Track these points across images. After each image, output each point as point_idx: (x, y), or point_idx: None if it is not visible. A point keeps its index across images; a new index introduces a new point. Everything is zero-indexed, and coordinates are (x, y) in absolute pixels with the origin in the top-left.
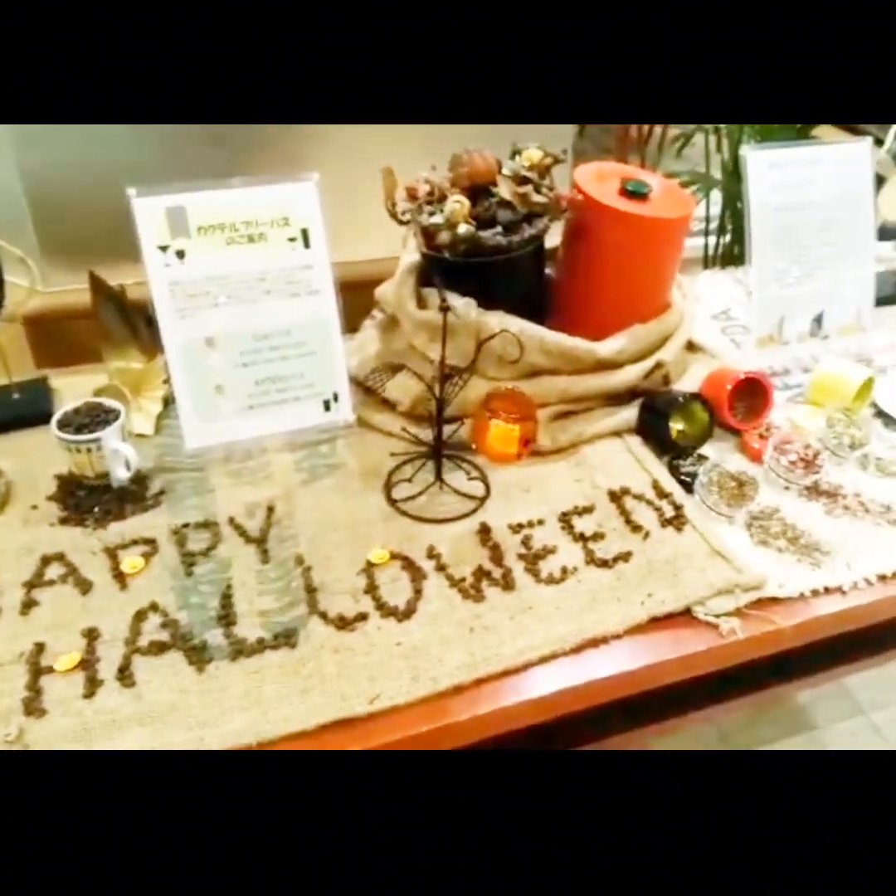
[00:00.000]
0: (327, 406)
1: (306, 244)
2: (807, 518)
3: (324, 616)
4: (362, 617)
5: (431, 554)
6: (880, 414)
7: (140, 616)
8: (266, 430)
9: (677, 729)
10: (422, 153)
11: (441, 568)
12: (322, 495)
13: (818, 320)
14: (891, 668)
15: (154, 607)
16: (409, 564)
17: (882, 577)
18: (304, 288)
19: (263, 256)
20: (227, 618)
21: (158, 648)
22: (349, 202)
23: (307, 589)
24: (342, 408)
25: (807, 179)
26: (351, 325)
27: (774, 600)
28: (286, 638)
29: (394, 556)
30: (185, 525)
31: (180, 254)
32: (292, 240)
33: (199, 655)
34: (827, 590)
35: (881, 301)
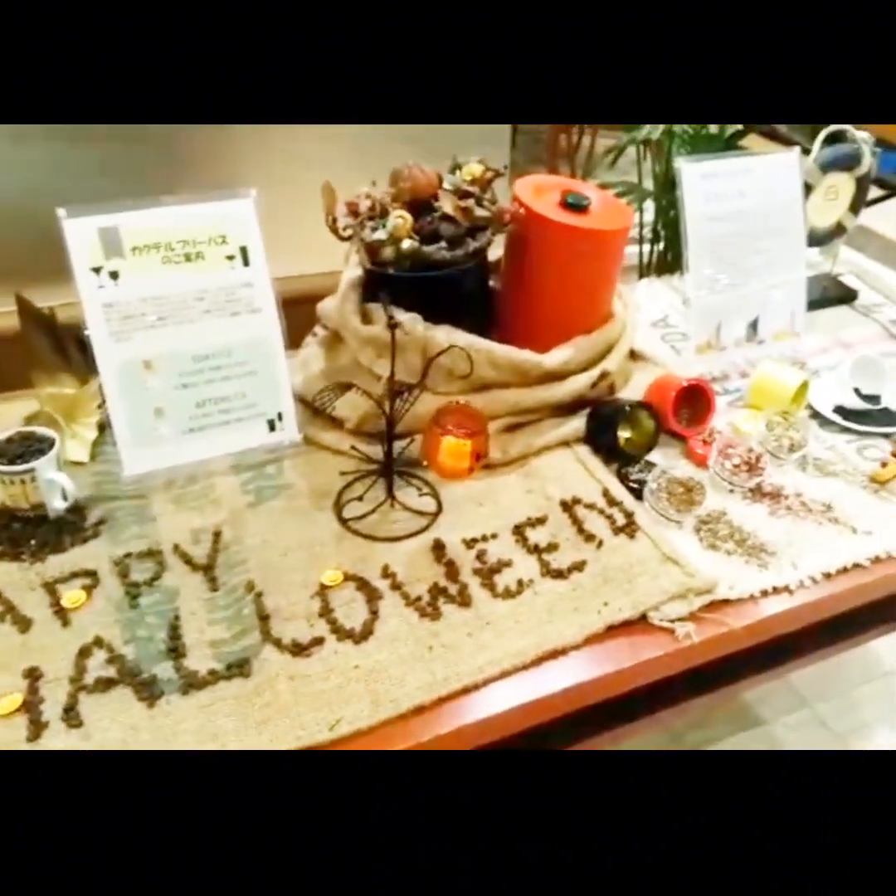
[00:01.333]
0: (272, 426)
1: (245, 262)
2: (752, 520)
3: (278, 643)
4: (318, 641)
5: (386, 573)
6: (816, 415)
7: (84, 652)
8: (209, 453)
9: (631, 734)
10: (361, 169)
11: (396, 587)
12: (271, 518)
13: (754, 326)
14: (834, 660)
15: (98, 642)
16: (363, 585)
17: (826, 575)
18: (244, 306)
19: (201, 275)
20: (176, 650)
21: (105, 685)
22: (289, 217)
23: (259, 615)
24: (288, 427)
25: (739, 189)
26: (294, 341)
27: (726, 602)
28: (239, 668)
29: (348, 577)
30: (128, 555)
31: (114, 275)
32: (231, 257)
33: (148, 690)
34: (775, 589)
35: (811, 305)
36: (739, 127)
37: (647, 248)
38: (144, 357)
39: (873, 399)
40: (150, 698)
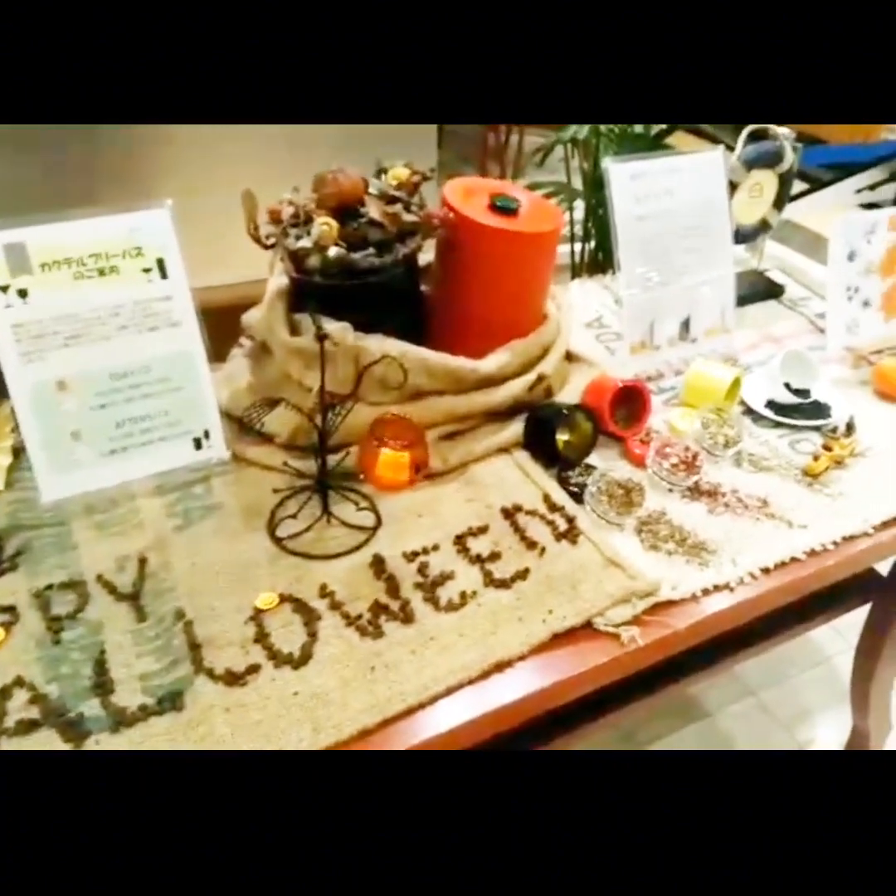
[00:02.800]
0: (198, 444)
1: (163, 274)
2: (691, 519)
3: (211, 673)
4: (254, 669)
5: (324, 592)
6: (749, 411)
7: (4, 693)
8: (132, 475)
9: (581, 736)
10: (283, 174)
11: (335, 607)
12: (200, 540)
13: (686, 324)
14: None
15: (19, 682)
16: (300, 606)
17: (765, 570)
18: (163, 320)
19: (116, 290)
20: (103, 686)
21: (27, 727)
22: (211, 224)
23: (190, 645)
24: (215, 444)
25: (667, 188)
26: (220, 354)
27: (669, 603)
28: (171, 701)
29: (283, 599)
30: (48, 587)
31: (23, 293)
32: (147, 270)
33: (75, 731)
34: (716, 588)
35: (740, 301)
36: (664, 126)
37: (578, 246)
38: (58, 377)
39: (803, 393)
40: (76, 738)
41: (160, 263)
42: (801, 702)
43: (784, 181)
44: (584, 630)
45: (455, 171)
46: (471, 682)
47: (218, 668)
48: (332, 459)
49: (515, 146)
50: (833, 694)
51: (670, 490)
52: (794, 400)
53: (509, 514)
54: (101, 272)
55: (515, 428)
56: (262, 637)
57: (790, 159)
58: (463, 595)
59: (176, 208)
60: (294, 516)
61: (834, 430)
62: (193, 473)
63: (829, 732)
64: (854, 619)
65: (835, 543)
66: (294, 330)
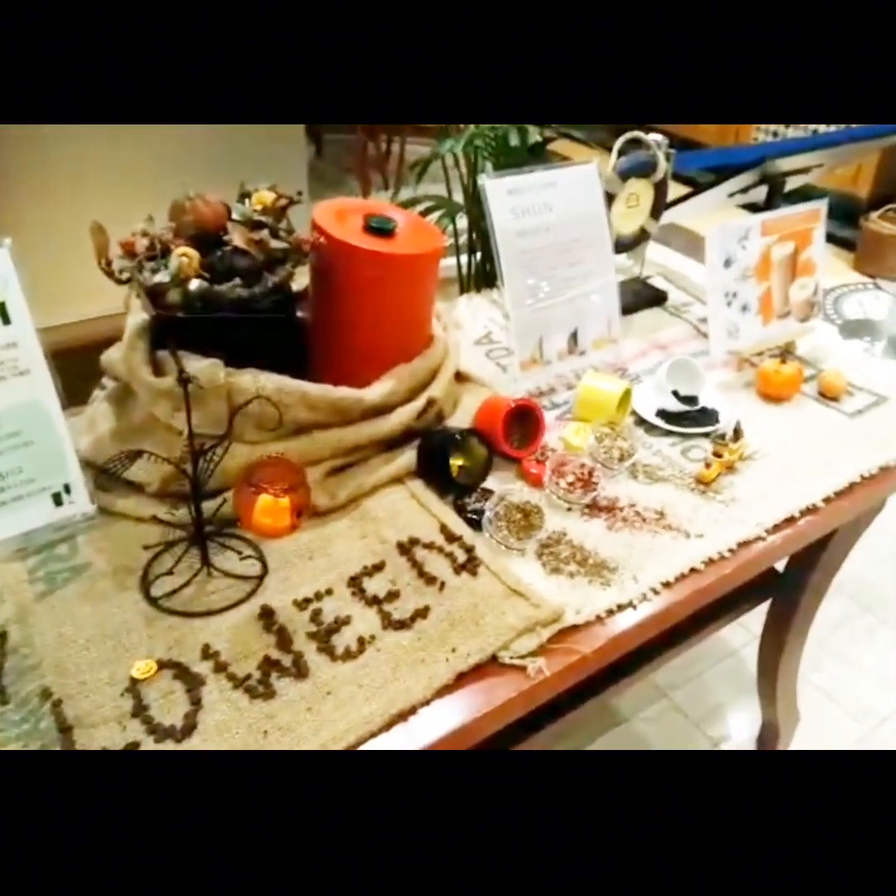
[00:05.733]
0: (58, 500)
1: (5, 320)
2: (591, 537)
3: None
4: (133, 746)
5: (207, 654)
6: (641, 421)
7: None
8: None
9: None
10: (135, 202)
11: (220, 668)
12: (66, 607)
13: (574, 337)
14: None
15: None
16: (182, 672)
17: (666, 584)
18: (8, 370)
19: None
20: None
21: None
22: (62, 257)
23: (60, 728)
24: (77, 499)
25: (544, 203)
26: (80, 396)
27: (574, 628)
28: None
29: (162, 666)
30: None
31: None
32: None
33: None
34: (619, 607)
35: (625, 310)
36: (539, 138)
37: (464, 258)
38: None
39: (691, 400)
40: None
41: (1, 308)
42: (712, 698)
43: (659, 190)
44: (490, 665)
45: (335, 183)
46: (372, 735)
47: (93, 750)
48: (211, 506)
49: (397, 156)
50: (742, 687)
51: (569, 509)
52: (683, 408)
53: (406, 548)
54: None
55: (407, 456)
56: (140, 710)
57: (663, 168)
58: (360, 641)
59: (16, 243)
60: (170, 572)
61: (723, 436)
62: (56, 532)
63: (741, 727)
64: (757, 610)
65: (731, 550)
66: (159, 369)
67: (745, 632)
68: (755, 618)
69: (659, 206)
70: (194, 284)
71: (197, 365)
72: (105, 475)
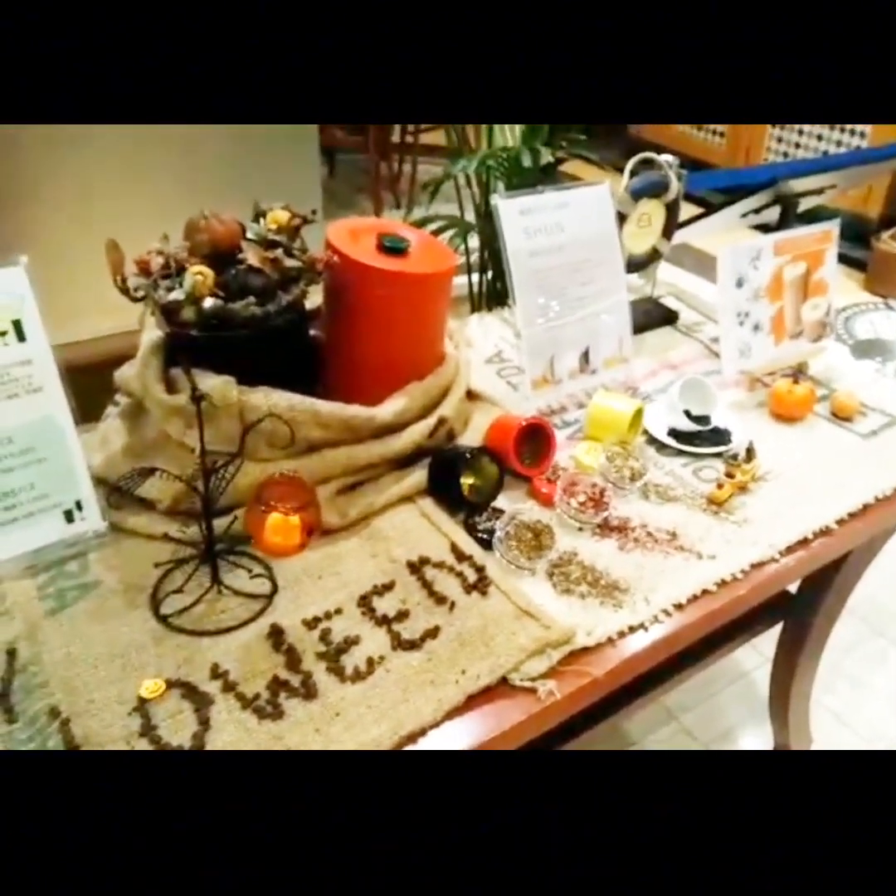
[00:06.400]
0: (70, 516)
1: (20, 337)
2: (603, 557)
3: None
4: None
5: (216, 673)
6: (653, 441)
7: None
8: None
9: None
10: (150, 221)
11: (229, 688)
12: (76, 625)
13: (585, 356)
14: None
15: None
16: (190, 691)
17: (678, 606)
18: (22, 387)
19: None
20: None
21: None
22: (77, 273)
23: (68, 746)
24: (89, 516)
25: (556, 223)
26: (94, 413)
27: (585, 650)
28: None
29: (171, 685)
30: None
31: None
32: (2, 334)
33: None
34: (631, 629)
35: (636, 329)
36: (551, 159)
37: (476, 277)
38: None
39: (703, 420)
40: None
41: (17, 325)
42: (723, 721)
43: (671, 211)
44: (500, 687)
45: (347, 203)
46: None
47: None
48: (223, 523)
49: (408, 175)
50: (753, 710)
51: (580, 529)
52: (695, 427)
53: (416, 567)
54: None
55: (418, 475)
56: (148, 730)
57: (675, 189)
58: (369, 661)
59: (32, 260)
60: (180, 590)
61: (735, 456)
62: (67, 549)
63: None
64: (768, 632)
65: (744, 572)
66: (171, 387)
67: (756, 654)
68: (767, 640)
69: (671, 226)
70: (208, 302)
71: (210, 382)
72: (117, 492)
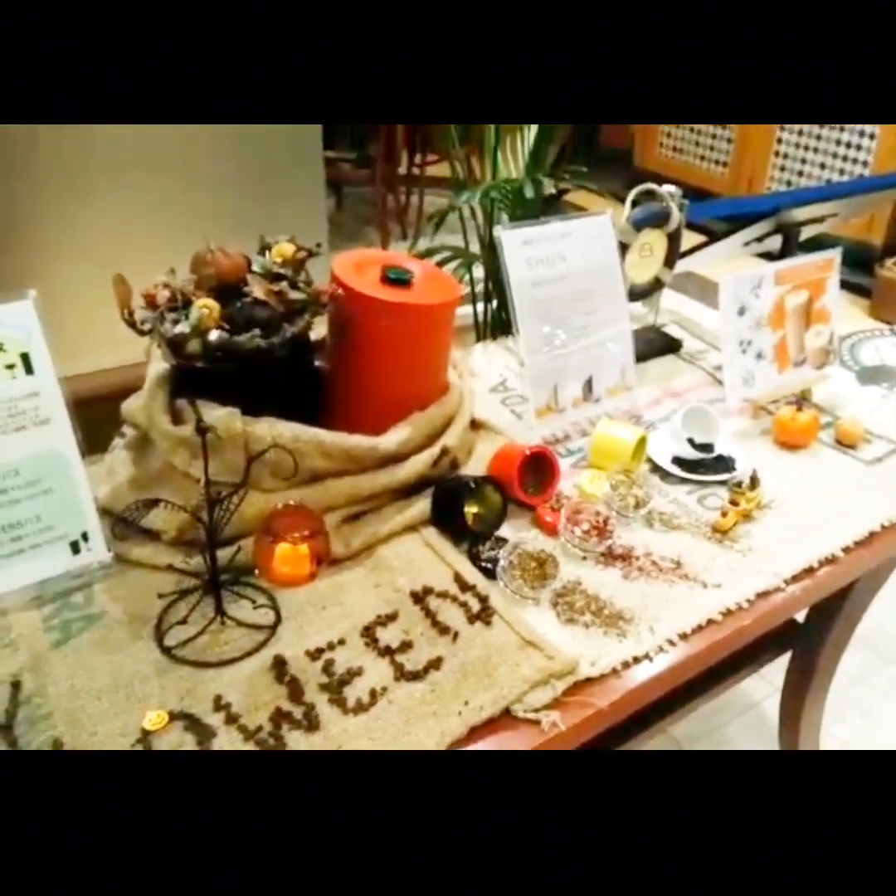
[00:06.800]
0: (76, 548)
1: (28, 369)
2: (607, 586)
3: None
4: None
5: (219, 705)
6: (656, 469)
7: None
8: (2, 588)
9: None
10: (158, 254)
11: (232, 720)
12: (81, 656)
13: (588, 384)
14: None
15: None
16: (193, 723)
17: (683, 636)
18: (30, 419)
19: None
20: None
21: None
22: (85, 307)
23: None
24: (94, 547)
25: (559, 253)
26: (101, 444)
27: (589, 680)
28: None
29: (174, 717)
30: None
31: None
32: (10, 367)
33: None
34: (636, 659)
35: (639, 358)
36: (553, 190)
37: (481, 306)
38: None
39: (707, 448)
40: None
41: (25, 358)
42: None
43: (672, 240)
44: (503, 718)
45: (355, 234)
46: None
47: None
48: (227, 554)
49: (416, 207)
50: (763, 741)
51: (584, 557)
52: (699, 455)
53: (419, 598)
54: None
55: (422, 504)
56: None
57: (677, 219)
58: (372, 693)
59: (41, 293)
60: (184, 621)
61: (739, 484)
62: (72, 580)
63: None
64: (777, 662)
65: (749, 601)
66: (177, 418)
67: (766, 684)
68: (776, 670)
69: (673, 255)
70: (214, 335)
71: (215, 413)
72: (122, 523)
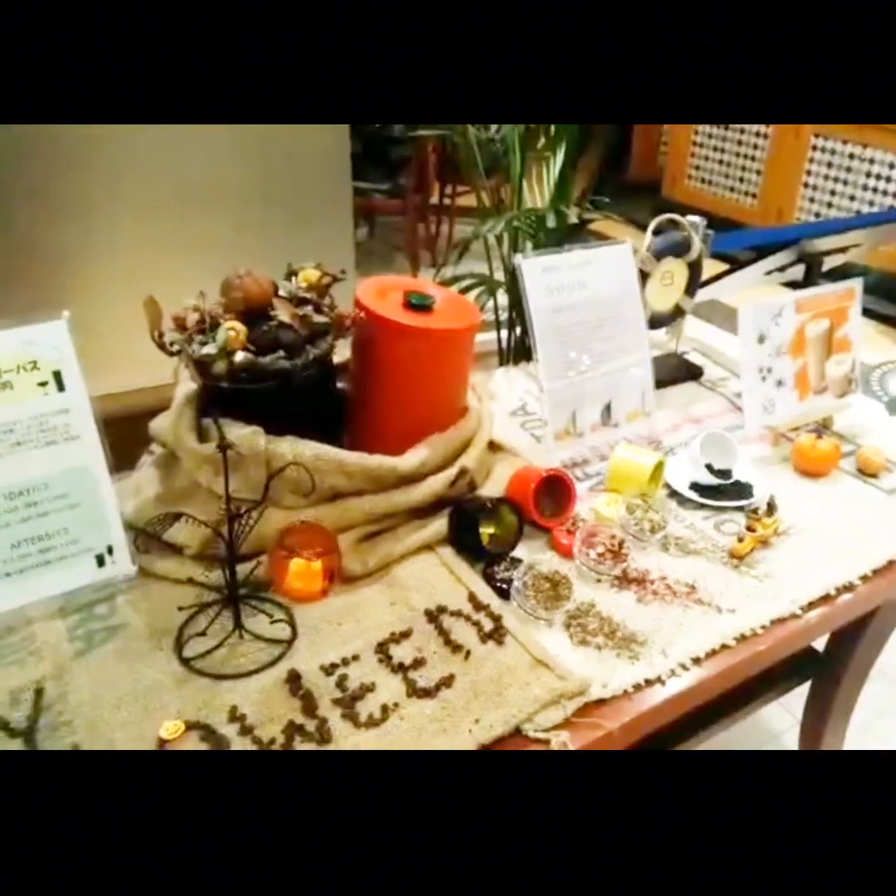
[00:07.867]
0: (101, 561)
1: (60, 387)
2: (621, 609)
3: None
4: None
5: (234, 716)
6: (674, 494)
7: None
8: (29, 598)
9: None
10: (189, 279)
11: (246, 731)
12: (102, 665)
13: (607, 409)
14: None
15: None
16: (208, 734)
17: (696, 660)
18: (60, 435)
19: (10, 406)
20: None
21: None
22: (116, 328)
23: None
24: (119, 560)
25: (579, 281)
26: (129, 461)
27: (600, 702)
28: None
29: (190, 727)
30: None
31: None
32: (43, 384)
33: None
34: (647, 682)
35: (660, 384)
36: (575, 219)
37: (504, 332)
38: None
39: (725, 474)
40: None
41: (57, 376)
42: None
43: (693, 270)
44: (513, 737)
45: (386, 259)
46: None
47: None
48: (245, 569)
49: (446, 235)
50: None
51: (598, 580)
52: (717, 481)
53: (433, 616)
54: None
55: (439, 524)
56: None
57: (698, 248)
58: (384, 708)
59: (75, 315)
60: (203, 633)
61: (756, 510)
62: (97, 592)
63: None
64: (799, 691)
65: (764, 627)
66: (203, 436)
67: (788, 715)
68: (797, 701)
69: (693, 284)
70: (240, 356)
71: (238, 432)
72: (146, 536)
